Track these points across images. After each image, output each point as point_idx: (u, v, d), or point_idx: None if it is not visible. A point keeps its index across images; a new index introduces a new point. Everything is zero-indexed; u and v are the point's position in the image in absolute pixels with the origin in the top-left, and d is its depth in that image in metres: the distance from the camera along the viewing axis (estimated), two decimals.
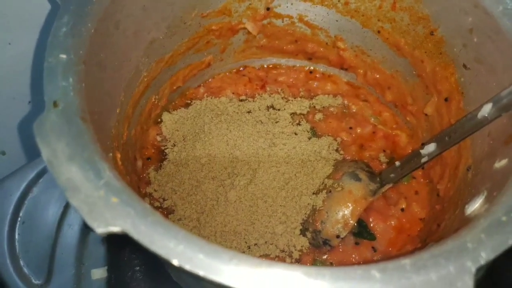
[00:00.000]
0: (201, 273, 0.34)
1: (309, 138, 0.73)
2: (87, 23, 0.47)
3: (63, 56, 0.43)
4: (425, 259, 0.36)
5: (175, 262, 0.34)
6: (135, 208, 0.36)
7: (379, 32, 0.71)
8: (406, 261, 0.36)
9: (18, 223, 0.72)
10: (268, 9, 0.73)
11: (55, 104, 0.40)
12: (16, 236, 0.71)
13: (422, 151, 0.57)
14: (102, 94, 0.50)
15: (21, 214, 0.73)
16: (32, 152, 0.84)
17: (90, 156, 0.38)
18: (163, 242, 0.35)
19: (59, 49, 0.44)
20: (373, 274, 0.35)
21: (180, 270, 0.35)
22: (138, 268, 0.70)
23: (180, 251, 0.34)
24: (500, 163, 0.48)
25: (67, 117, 0.40)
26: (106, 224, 0.35)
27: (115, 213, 0.35)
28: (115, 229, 0.35)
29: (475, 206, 0.48)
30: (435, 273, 0.35)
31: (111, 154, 0.50)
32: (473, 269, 0.35)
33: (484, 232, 0.38)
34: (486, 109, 0.49)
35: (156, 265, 0.68)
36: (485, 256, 0.36)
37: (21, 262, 0.70)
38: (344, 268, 0.35)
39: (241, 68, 0.82)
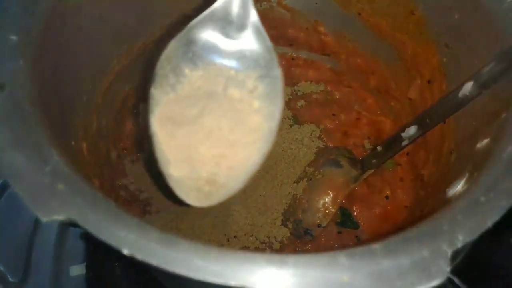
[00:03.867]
0: (154, 262, 0.31)
1: (291, 126, 0.70)
2: (41, 4, 0.44)
3: (13, 37, 0.41)
4: (397, 243, 0.33)
5: (126, 251, 0.32)
6: (84, 195, 0.34)
7: (359, 14, 0.69)
8: (376, 246, 0.33)
9: None
10: None
11: (1, 88, 0.38)
12: None
13: (403, 134, 0.55)
14: (62, 80, 0.47)
15: None
16: None
17: (37, 141, 0.36)
18: (113, 231, 0.32)
19: (8, 30, 0.41)
20: (340, 260, 0.32)
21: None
22: (117, 264, 0.68)
23: (132, 240, 0.32)
24: (482, 143, 0.46)
25: (14, 100, 0.38)
26: (51, 212, 0.32)
27: (61, 201, 0.33)
28: (60, 217, 0.32)
29: (457, 188, 0.45)
30: (407, 258, 0.32)
31: (73, 143, 0.47)
32: (449, 253, 0.33)
33: (461, 213, 0.35)
34: (467, 87, 0.46)
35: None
36: (462, 239, 0.33)
37: None
38: (309, 255, 0.32)
39: None
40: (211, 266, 0.31)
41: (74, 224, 0.33)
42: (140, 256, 0.31)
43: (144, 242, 0.32)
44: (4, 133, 0.35)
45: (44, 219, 0.32)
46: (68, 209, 0.32)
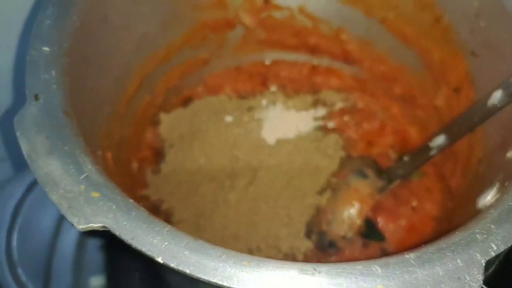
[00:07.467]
0: (188, 271, 0.31)
1: (314, 135, 0.70)
2: (72, 16, 0.45)
3: (46, 48, 0.42)
4: (431, 252, 0.33)
5: (160, 259, 0.32)
6: (118, 203, 0.34)
7: (383, 21, 0.68)
8: (410, 255, 0.33)
9: (15, 230, 0.70)
10: (266, 1, 0.70)
11: (36, 97, 0.39)
12: (14, 243, 0.69)
13: (431, 144, 0.55)
14: (88, 90, 0.48)
15: (19, 221, 0.71)
16: None
17: (72, 150, 0.36)
18: (147, 239, 0.32)
19: (42, 41, 0.42)
20: (374, 269, 0.32)
21: (170, 270, 0.32)
22: (137, 275, 0.67)
23: (165, 248, 0.32)
24: None
25: (49, 110, 0.38)
26: (87, 220, 0.33)
27: (96, 208, 0.33)
28: (96, 225, 0.32)
29: (487, 198, 0.44)
30: (441, 267, 0.32)
31: (100, 152, 0.48)
32: (483, 262, 0.32)
33: (494, 222, 0.35)
34: (496, 96, 0.46)
35: (155, 271, 0.66)
36: (495, 248, 0.33)
37: (19, 270, 0.68)
38: (342, 264, 0.32)
39: (241, 64, 0.79)
40: (244, 275, 0.31)
41: (103, 233, 0.33)
42: (173, 264, 0.31)
43: (177, 250, 0.32)
44: (41, 141, 0.36)
45: (80, 226, 0.32)
46: (103, 217, 0.33)
